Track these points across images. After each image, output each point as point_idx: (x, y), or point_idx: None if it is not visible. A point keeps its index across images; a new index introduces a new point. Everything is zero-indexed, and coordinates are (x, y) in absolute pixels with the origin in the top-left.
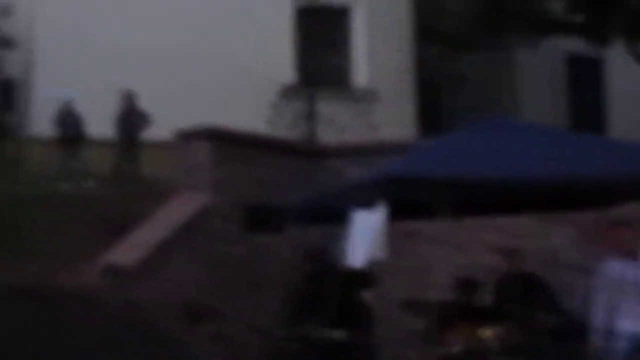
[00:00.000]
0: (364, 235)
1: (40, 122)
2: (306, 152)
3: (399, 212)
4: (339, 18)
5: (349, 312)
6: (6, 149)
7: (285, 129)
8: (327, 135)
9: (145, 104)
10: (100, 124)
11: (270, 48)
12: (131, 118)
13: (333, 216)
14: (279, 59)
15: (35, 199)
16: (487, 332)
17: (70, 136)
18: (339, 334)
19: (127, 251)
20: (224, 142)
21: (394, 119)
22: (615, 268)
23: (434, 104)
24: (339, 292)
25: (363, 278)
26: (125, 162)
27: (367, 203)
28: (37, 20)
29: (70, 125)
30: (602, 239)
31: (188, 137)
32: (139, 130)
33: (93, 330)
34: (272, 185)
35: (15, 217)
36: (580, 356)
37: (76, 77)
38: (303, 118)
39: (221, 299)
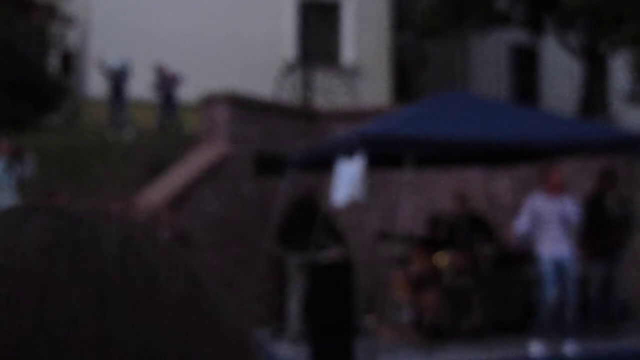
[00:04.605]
0: (347, 180)
1: (95, 85)
2: (304, 115)
3: (375, 163)
4: (332, 11)
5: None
6: (67, 107)
7: (287, 97)
8: (321, 103)
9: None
10: (142, 90)
11: (277, 33)
12: (165, 83)
13: (323, 164)
14: (284, 42)
15: (91, 149)
16: (441, 258)
17: (119, 94)
18: (326, 254)
19: (160, 189)
20: (239, 105)
21: (373, 91)
22: (537, 202)
23: (405, 80)
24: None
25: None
26: (166, 119)
27: (349, 155)
28: (92, 5)
29: (121, 86)
30: (535, 184)
31: (211, 100)
32: (174, 91)
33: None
34: (277, 140)
35: (76, 164)
36: (512, 278)
37: (122, 55)
38: (302, 88)
39: (236, 229)
